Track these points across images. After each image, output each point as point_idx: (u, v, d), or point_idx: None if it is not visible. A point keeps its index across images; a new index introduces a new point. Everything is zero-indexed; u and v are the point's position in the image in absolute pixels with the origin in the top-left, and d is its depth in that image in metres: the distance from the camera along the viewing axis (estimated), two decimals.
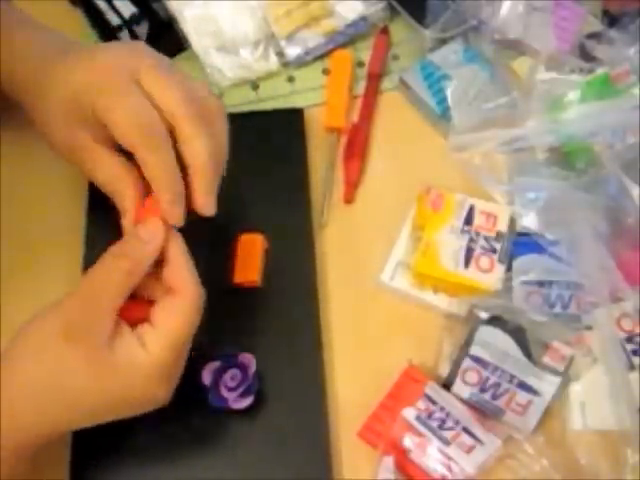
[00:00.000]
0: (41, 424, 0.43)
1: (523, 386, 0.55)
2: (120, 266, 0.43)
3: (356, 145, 0.67)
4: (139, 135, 0.44)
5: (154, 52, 0.50)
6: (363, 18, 0.71)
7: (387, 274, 0.61)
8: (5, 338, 0.45)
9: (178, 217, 0.46)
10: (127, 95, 0.45)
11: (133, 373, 0.43)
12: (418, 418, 0.53)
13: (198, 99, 0.47)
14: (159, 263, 0.46)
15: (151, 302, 0.46)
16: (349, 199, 0.65)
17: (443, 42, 0.69)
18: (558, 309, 0.57)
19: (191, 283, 0.45)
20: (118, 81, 0.46)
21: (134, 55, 0.48)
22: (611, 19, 0.68)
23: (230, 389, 0.53)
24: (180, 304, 0.45)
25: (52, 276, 0.60)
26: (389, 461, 0.52)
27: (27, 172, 0.65)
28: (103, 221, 0.57)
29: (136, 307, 0.46)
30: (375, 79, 0.70)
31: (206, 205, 0.48)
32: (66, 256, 0.60)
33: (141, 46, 0.49)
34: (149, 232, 0.45)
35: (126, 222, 0.47)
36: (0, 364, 0.42)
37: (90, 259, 0.58)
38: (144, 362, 0.43)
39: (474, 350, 0.56)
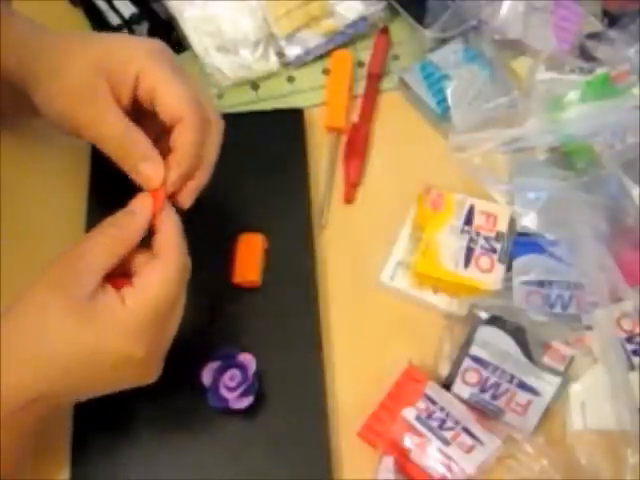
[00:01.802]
0: (24, 378, 0.43)
1: (523, 386, 0.55)
2: (108, 231, 0.46)
3: (356, 145, 0.67)
4: (184, 106, 0.47)
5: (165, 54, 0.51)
6: (363, 18, 0.71)
7: (387, 274, 0.61)
8: None
9: (189, 196, 0.50)
10: (172, 68, 0.48)
11: (110, 326, 0.43)
12: (418, 418, 0.53)
13: (200, 105, 0.49)
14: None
15: None
16: (349, 199, 0.65)
17: (443, 42, 0.69)
18: (558, 309, 0.57)
19: (175, 249, 0.47)
20: (161, 55, 0.49)
21: (164, 46, 0.51)
22: (611, 19, 0.68)
23: (230, 389, 0.53)
24: (161, 266, 0.46)
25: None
26: (389, 461, 0.52)
27: (27, 168, 0.65)
28: (104, 215, 0.58)
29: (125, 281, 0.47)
30: (375, 79, 0.70)
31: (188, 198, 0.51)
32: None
33: (152, 45, 0.51)
34: (138, 204, 0.47)
35: (149, 184, 0.48)
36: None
37: (92, 223, 0.57)
38: (121, 316, 0.43)
39: (474, 350, 0.56)
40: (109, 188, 0.58)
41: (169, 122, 0.49)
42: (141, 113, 0.50)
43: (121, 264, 0.46)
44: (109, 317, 0.43)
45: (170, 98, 0.48)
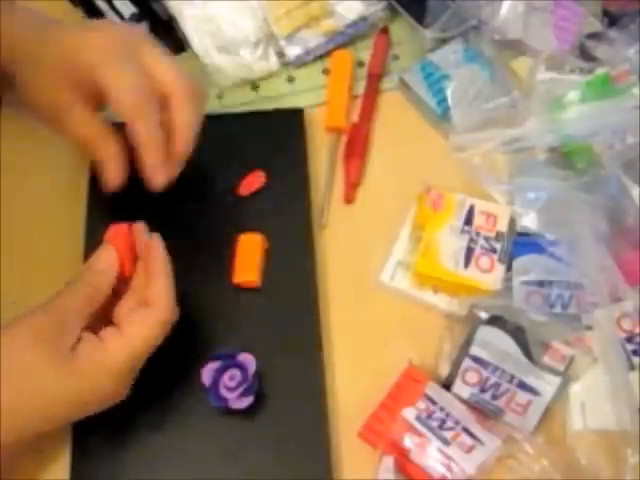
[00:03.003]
0: (13, 425, 0.45)
1: (523, 386, 0.55)
2: (84, 292, 0.48)
3: (356, 145, 0.67)
4: (134, 101, 0.49)
5: (146, 34, 0.54)
6: (363, 18, 0.71)
7: (387, 274, 0.61)
8: None
9: (160, 182, 0.51)
10: (127, 62, 0.50)
11: (93, 371, 0.46)
12: (418, 418, 0.53)
13: (188, 76, 0.52)
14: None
15: None
16: (349, 199, 0.65)
17: (443, 42, 0.69)
18: (558, 309, 0.57)
19: (166, 302, 0.49)
20: (119, 49, 0.50)
21: (135, 32, 0.53)
22: (611, 19, 0.68)
23: (230, 389, 0.53)
24: (152, 317, 0.48)
25: (53, 271, 0.60)
26: (389, 461, 0.52)
27: (26, 178, 0.65)
28: (103, 217, 0.58)
29: None
30: (375, 79, 0.70)
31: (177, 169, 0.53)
32: (66, 252, 0.60)
33: (141, 28, 0.55)
34: (105, 262, 0.50)
35: (108, 178, 0.52)
36: None
37: (92, 224, 0.60)
38: (104, 361, 0.46)
39: (474, 350, 0.56)
40: (108, 198, 0.59)
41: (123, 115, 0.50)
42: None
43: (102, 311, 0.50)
44: (92, 363, 0.46)
45: (117, 91, 0.49)
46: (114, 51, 0.50)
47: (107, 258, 0.50)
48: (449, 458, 0.52)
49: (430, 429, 0.53)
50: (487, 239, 0.59)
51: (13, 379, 0.45)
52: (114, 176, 0.53)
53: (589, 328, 0.56)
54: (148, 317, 0.48)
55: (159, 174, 0.51)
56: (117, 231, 0.52)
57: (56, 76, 0.50)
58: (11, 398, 0.45)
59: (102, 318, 0.50)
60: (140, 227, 0.52)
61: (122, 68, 0.50)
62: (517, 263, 0.58)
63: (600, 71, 0.64)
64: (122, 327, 0.48)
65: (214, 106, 0.69)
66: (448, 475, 0.52)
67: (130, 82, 0.49)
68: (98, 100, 0.52)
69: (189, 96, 0.52)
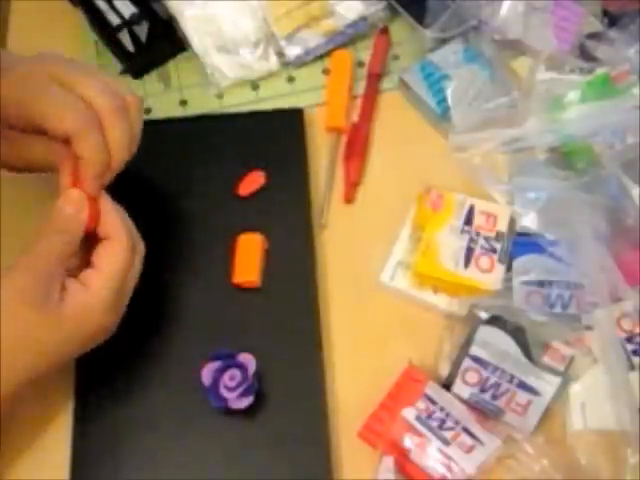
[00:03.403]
0: (13, 375, 0.48)
1: (523, 386, 0.55)
2: (60, 239, 0.50)
3: (356, 145, 0.67)
4: (73, 122, 0.49)
5: (63, 56, 0.54)
6: (363, 18, 0.71)
7: (387, 274, 0.61)
8: None
9: (99, 188, 0.52)
10: (53, 89, 0.50)
11: (83, 313, 0.49)
12: (418, 418, 0.53)
13: (115, 91, 0.52)
14: None
15: None
16: (349, 199, 0.65)
17: (443, 42, 0.69)
18: (558, 309, 0.57)
19: (120, 228, 0.51)
20: (42, 80, 0.51)
21: (47, 58, 0.53)
22: (611, 19, 0.68)
23: (230, 389, 0.53)
24: (115, 247, 0.51)
25: None
26: (389, 461, 0.52)
27: (27, 178, 0.65)
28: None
29: None
30: (375, 79, 0.70)
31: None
32: None
33: (50, 53, 0.53)
34: (75, 206, 0.51)
35: (63, 184, 0.52)
36: None
37: None
38: (90, 301, 0.49)
39: (474, 350, 0.56)
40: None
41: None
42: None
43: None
44: (80, 306, 0.49)
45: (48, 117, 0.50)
46: (38, 83, 0.50)
47: (75, 201, 0.51)
48: (449, 458, 0.52)
49: (430, 429, 0.53)
50: (487, 239, 0.59)
51: (9, 340, 0.47)
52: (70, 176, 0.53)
53: (589, 328, 0.56)
54: (112, 247, 0.51)
55: (98, 181, 0.52)
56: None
57: None
58: (10, 359, 0.47)
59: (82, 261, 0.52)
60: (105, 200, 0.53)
61: (53, 96, 0.50)
62: (517, 263, 0.58)
63: (600, 71, 0.64)
64: (95, 265, 0.50)
65: (214, 106, 0.69)
66: (448, 475, 0.52)
67: (66, 106, 0.50)
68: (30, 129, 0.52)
69: (116, 111, 0.51)
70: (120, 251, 0.51)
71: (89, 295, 0.49)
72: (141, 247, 0.53)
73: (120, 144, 0.52)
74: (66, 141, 0.50)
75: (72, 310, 0.49)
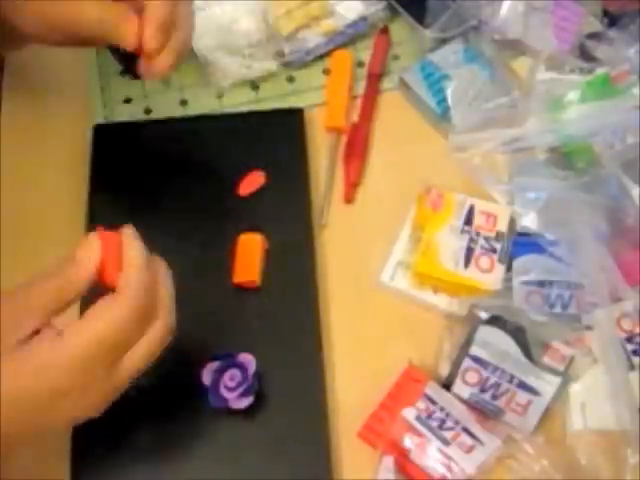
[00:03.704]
0: None
1: (523, 386, 0.55)
2: (54, 283, 0.44)
3: (356, 145, 0.67)
4: None
5: None
6: (363, 18, 0.71)
7: (387, 274, 0.61)
8: None
9: (162, 67, 0.51)
10: None
11: (45, 365, 0.42)
12: (418, 418, 0.53)
13: None
14: None
15: None
16: (349, 199, 0.65)
17: (443, 42, 0.69)
18: (558, 309, 0.57)
19: (132, 290, 0.44)
20: None
21: None
22: (611, 19, 0.68)
23: (230, 389, 0.53)
24: (118, 300, 0.43)
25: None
26: (389, 461, 0.52)
27: (28, 163, 0.65)
28: (103, 218, 0.58)
29: None
30: (375, 79, 0.70)
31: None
32: (66, 252, 0.60)
33: None
34: (84, 255, 0.45)
35: (128, 44, 0.51)
36: None
37: (92, 224, 0.59)
38: (58, 352, 0.42)
39: (474, 350, 0.56)
40: (108, 198, 0.59)
41: None
42: None
43: None
44: (44, 355, 0.42)
45: None
46: None
47: (88, 249, 0.45)
48: (449, 458, 0.52)
49: (430, 429, 0.53)
50: (487, 239, 0.59)
51: None
52: (136, 35, 0.51)
53: (589, 328, 0.56)
54: (113, 301, 0.43)
55: (163, 58, 0.51)
56: (105, 237, 0.46)
57: None
58: None
59: None
60: (128, 232, 0.47)
61: None
62: (517, 263, 0.58)
63: (600, 71, 0.64)
64: (85, 315, 0.43)
65: (214, 106, 0.69)
66: (448, 475, 0.52)
67: None
68: None
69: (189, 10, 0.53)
70: (120, 308, 0.43)
71: (59, 344, 0.42)
72: (168, 321, 0.45)
73: (187, 19, 0.52)
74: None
75: (33, 358, 0.41)
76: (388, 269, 0.61)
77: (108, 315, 0.43)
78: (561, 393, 0.55)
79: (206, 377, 0.53)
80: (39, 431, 0.45)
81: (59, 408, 0.43)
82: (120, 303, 0.43)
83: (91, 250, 0.45)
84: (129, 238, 0.46)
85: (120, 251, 0.46)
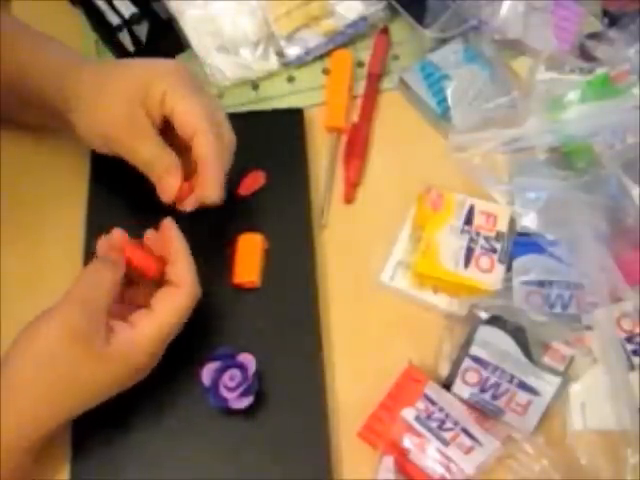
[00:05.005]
0: (55, 413, 0.48)
1: (523, 386, 0.55)
2: (108, 277, 0.50)
3: (356, 145, 0.67)
4: (203, 126, 0.53)
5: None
6: (363, 18, 0.71)
7: (387, 274, 0.61)
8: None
9: (218, 193, 0.54)
10: (194, 90, 0.54)
11: (127, 352, 0.49)
12: (417, 418, 0.53)
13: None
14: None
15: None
16: (349, 199, 0.65)
17: (443, 42, 0.69)
18: (558, 309, 0.57)
19: (190, 279, 0.52)
20: (185, 76, 0.55)
21: (189, 70, 0.57)
22: (611, 19, 0.68)
23: (230, 389, 0.53)
24: (177, 294, 0.51)
25: (53, 271, 0.60)
26: (389, 461, 0.52)
27: (27, 174, 0.65)
28: (103, 218, 0.59)
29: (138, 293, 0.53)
30: (375, 79, 0.70)
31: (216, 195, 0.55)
32: (66, 252, 0.61)
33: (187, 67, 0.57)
34: (117, 252, 0.52)
35: (166, 194, 0.55)
36: (1, 372, 0.48)
37: (92, 224, 0.61)
38: (135, 338, 0.49)
39: (474, 350, 0.56)
40: (108, 199, 0.59)
41: (186, 137, 0.53)
42: (169, 125, 0.55)
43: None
44: (124, 346, 0.49)
45: (185, 115, 0.53)
46: (182, 81, 0.54)
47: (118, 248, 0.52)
48: (448, 459, 0.52)
49: (429, 429, 0.53)
50: (487, 239, 0.59)
51: (49, 374, 0.47)
52: (176, 187, 0.55)
53: (589, 328, 0.56)
54: (174, 293, 0.51)
55: (219, 186, 0.54)
56: (131, 250, 0.53)
57: (127, 115, 0.53)
58: (47, 392, 0.47)
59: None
60: (169, 224, 0.54)
61: (186, 91, 0.53)
62: (517, 263, 0.58)
63: (600, 71, 0.64)
64: (151, 307, 0.50)
65: None
66: (447, 475, 0.52)
67: (194, 104, 0.53)
68: (160, 123, 0.55)
69: (231, 149, 0.56)
70: (182, 298, 0.51)
71: (134, 333, 0.49)
72: (198, 293, 0.52)
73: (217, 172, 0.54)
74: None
75: (116, 350, 0.48)
76: (388, 269, 0.61)
77: (174, 305, 0.50)
78: (561, 393, 0.55)
79: (206, 377, 0.53)
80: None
81: (129, 381, 0.51)
82: (184, 295, 0.51)
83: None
84: (172, 231, 0.53)
85: (148, 249, 0.53)
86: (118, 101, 0.53)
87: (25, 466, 0.49)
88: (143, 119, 0.53)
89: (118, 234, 0.53)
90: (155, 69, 0.55)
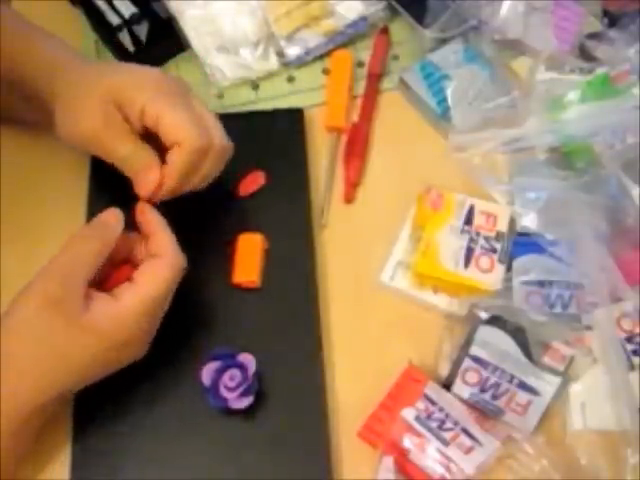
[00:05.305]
0: (41, 387, 0.48)
1: (523, 386, 0.55)
2: (91, 248, 0.50)
3: (356, 145, 0.67)
4: (187, 138, 0.52)
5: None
6: (363, 18, 0.71)
7: (387, 274, 0.61)
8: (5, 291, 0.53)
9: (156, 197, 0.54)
10: (179, 101, 0.54)
11: (110, 325, 0.48)
12: (417, 418, 0.53)
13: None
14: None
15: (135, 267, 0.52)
16: (349, 199, 0.65)
17: (443, 42, 0.69)
18: (558, 309, 0.57)
19: (172, 250, 0.52)
20: (170, 87, 0.55)
21: (180, 81, 0.57)
22: (611, 19, 0.68)
23: (230, 389, 0.53)
24: (158, 265, 0.51)
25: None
26: (389, 461, 0.52)
27: (28, 170, 0.65)
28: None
29: (122, 273, 0.53)
30: (375, 79, 0.70)
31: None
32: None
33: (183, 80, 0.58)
34: (114, 218, 0.52)
35: (145, 189, 0.54)
36: None
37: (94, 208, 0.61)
38: (118, 314, 0.48)
39: (474, 350, 0.56)
40: (108, 198, 0.59)
41: (167, 144, 0.53)
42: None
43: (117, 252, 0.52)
44: (106, 316, 0.48)
45: (165, 127, 0.52)
46: (162, 93, 0.53)
47: (115, 215, 0.52)
48: (448, 459, 0.52)
49: (429, 429, 0.53)
50: (487, 239, 0.59)
51: (30, 345, 0.47)
52: (155, 182, 0.54)
53: (589, 328, 0.56)
54: (156, 264, 0.51)
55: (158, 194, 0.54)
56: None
57: (104, 114, 0.53)
58: (31, 365, 0.47)
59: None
60: (141, 206, 0.54)
61: (171, 102, 0.53)
62: (517, 263, 0.58)
63: (600, 71, 0.64)
64: (134, 280, 0.50)
65: (214, 106, 0.69)
66: (447, 475, 0.52)
67: (180, 115, 0.52)
68: (140, 130, 0.54)
69: (221, 154, 0.55)
70: (164, 268, 0.50)
71: (117, 305, 0.49)
72: (182, 263, 0.52)
73: (204, 179, 0.55)
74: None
75: (97, 321, 0.48)
76: (388, 269, 0.61)
77: (156, 276, 0.50)
78: (561, 393, 0.55)
79: (206, 377, 0.53)
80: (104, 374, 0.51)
81: (117, 358, 0.50)
82: (167, 266, 0.51)
83: (118, 214, 0.52)
84: (147, 211, 0.53)
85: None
86: (96, 104, 0.53)
87: (21, 436, 0.49)
88: (120, 122, 0.53)
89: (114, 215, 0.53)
90: (136, 79, 0.54)
